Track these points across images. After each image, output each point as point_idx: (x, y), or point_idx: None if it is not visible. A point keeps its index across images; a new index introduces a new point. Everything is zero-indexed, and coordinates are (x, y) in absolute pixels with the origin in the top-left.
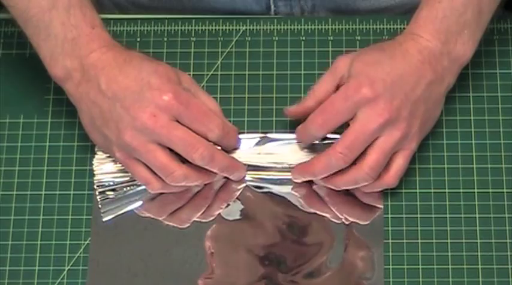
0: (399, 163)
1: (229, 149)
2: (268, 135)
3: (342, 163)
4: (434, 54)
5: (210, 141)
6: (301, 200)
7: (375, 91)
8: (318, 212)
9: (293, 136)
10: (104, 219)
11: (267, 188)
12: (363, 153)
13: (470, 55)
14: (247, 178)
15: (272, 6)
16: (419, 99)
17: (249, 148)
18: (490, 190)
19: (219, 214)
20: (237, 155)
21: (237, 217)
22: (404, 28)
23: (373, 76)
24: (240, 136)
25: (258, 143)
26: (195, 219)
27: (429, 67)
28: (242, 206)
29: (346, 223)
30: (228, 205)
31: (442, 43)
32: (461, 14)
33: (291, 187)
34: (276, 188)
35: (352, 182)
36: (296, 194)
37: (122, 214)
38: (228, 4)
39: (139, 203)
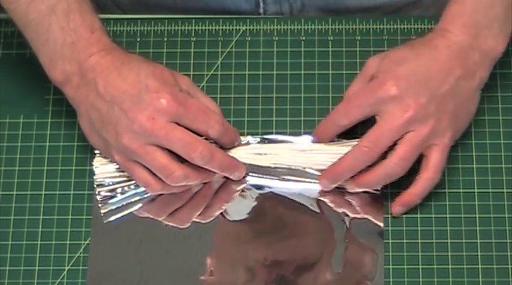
0: (434, 156)
1: (230, 146)
2: (269, 136)
3: (366, 158)
4: (464, 48)
5: (211, 139)
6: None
7: (399, 88)
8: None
9: (293, 138)
10: (105, 221)
11: (267, 188)
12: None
13: (503, 49)
14: (248, 178)
15: (261, 4)
16: (447, 95)
17: (249, 149)
18: (490, 190)
19: (220, 216)
20: (237, 155)
21: (244, 216)
22: (404, 28)
23: (398, 73)
24: (241, 137)
25: (258, 144)
26: (195, 219)
27: (458, 62)
28: (255, 203)
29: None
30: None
31: (472, 37)
32: (490, 7)
33: (291, 187)
34: (277, 189)
35: (383, 176)
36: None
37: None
38: (219, 2)
39: (140, 205)
